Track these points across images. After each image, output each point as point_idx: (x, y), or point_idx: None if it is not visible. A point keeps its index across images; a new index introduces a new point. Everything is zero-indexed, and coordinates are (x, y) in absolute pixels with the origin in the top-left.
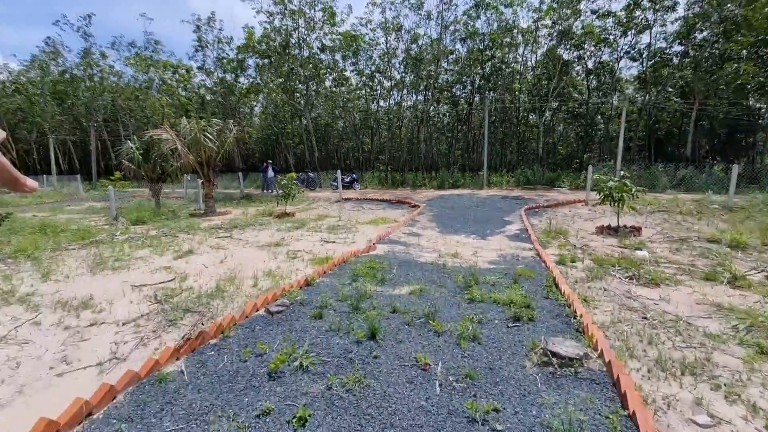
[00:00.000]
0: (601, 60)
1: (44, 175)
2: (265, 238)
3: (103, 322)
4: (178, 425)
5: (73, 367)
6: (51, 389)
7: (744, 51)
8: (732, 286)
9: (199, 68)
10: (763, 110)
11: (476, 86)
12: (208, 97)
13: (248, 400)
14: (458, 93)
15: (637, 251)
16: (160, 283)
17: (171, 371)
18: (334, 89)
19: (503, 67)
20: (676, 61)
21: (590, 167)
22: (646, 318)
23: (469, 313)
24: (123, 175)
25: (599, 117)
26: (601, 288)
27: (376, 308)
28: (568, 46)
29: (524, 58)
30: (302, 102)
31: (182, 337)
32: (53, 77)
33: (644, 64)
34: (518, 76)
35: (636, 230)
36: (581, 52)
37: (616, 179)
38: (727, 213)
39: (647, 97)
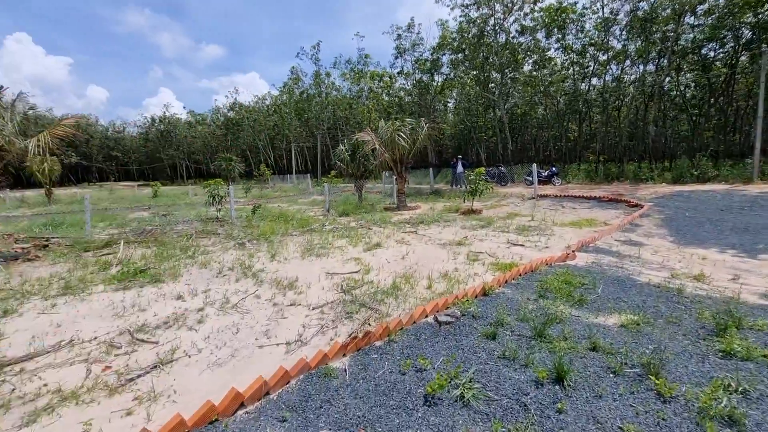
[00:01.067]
0: None
1: (288, 175)
2: (448, 235)
3: (299, 304)
4: (330, 429)
5: (270, 342)
6: (252, 359)
7: None
8: None
9: (398, 73)
10: None
11: (743, 41)
12: (406, 99)
13: (399, 422)
14: (711, 54)
15: None
16: (348, 273)
17: (336, 367)
18: (534, 73)
19: None
20: None
21: None
22: None
23: (721, 374)
24: (336, 173)
25: None
26: None
27: (568, 339)
28: None
29: None
30: (496, 92)
31: (350, 335)
32: (296, 98)
33: None
34: None
35: None
36: None
37: None
38: None
39: None
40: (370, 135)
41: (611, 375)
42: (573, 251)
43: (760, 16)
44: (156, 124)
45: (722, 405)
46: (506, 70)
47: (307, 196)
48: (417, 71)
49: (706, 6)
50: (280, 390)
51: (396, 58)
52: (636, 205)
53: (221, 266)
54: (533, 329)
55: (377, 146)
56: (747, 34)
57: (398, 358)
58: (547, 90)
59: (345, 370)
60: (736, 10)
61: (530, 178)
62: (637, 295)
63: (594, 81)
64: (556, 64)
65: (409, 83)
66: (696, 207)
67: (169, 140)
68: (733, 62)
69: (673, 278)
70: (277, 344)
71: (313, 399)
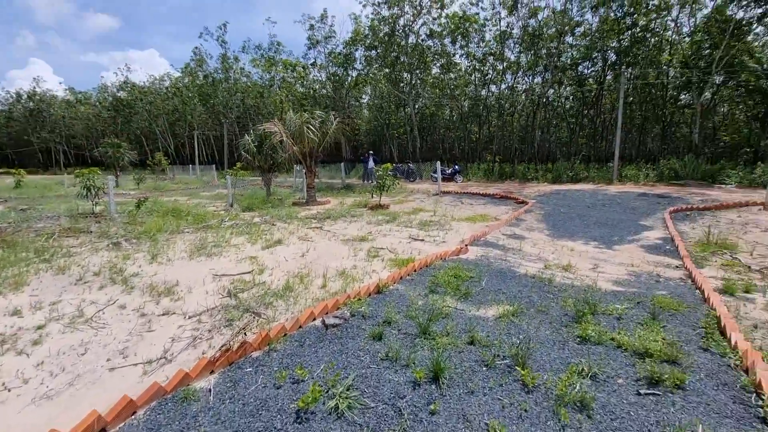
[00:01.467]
0: None
1: (190, 165)
2: (353, 231)
3: (174, 313)
4: None
5: (126, 362)
6: (97, 385)
7: None
8: None
9: (312, 65)
10: None
11: (609, 63)
12: (322, 92)
13: None
14: (585, 71)
15: None
16: (239, 274)
17: (200, 387)
18: (441, 76)
19: (647, 36)
20: None
21: None
22: None
23: (578, 360)
24: (243, 165)
25: None
26: None
27: (450, 334)
28: (745, 2)
29: (678, 24)
30: (407, 90)
31: (221, 347)
32: (200, 81)
33: None
34: (668, 47)
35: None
36: (765, 7)
37: None
38: None
39: None
40: (278, 126)
41: (484, 368)
42: (466, 245)
43: (621, 42)
44: (23, 101)
45: (575, 391)
46: (416, 71)
47: (211, 189)
48: (331, 64)
49: (582, 29)
50: (123, 424)
51: (309, 48)
52: (522, 202)
53: (84, 271)
54: (419, 326)
55: (285, 138)
56: (612, 56)
57: (276, 369)
58: (453, 93)
59: (210, 390)
60: (604, 35)
61: (436, 175)
62: (516, 286)
63: (493, 88)
64: (460, 69)
65: (323, 76)
66: (569, 204)
67: (41, 121)
68: (601, 80)
69: (546, 269)
70: (135, 364)
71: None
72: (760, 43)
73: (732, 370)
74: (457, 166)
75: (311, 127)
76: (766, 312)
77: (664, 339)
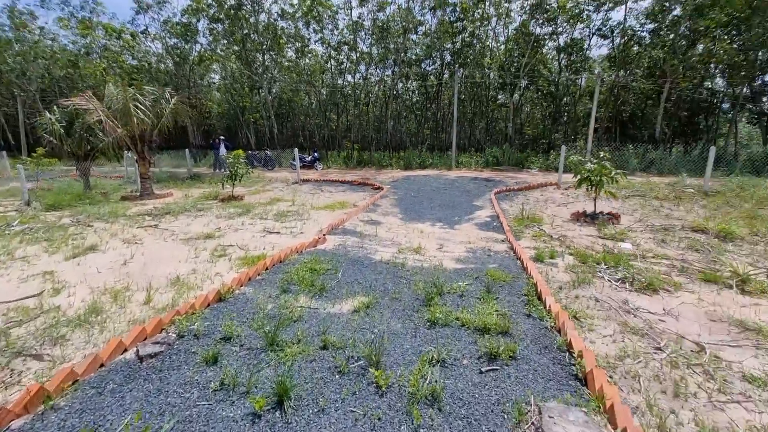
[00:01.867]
0: (573, 37)
1: None
2: (198, 227)
3: None
4: None
5: None
6: None
7: (717, 30)
8: (741, 291)
9: (143, 33)
10: (727, 91)
11: (446, 62)
12: (161, 67)
13: None
14: (428, 68)
15: (621, 243)
16: (18, 300)
17: None
18: (297, 60)
19: (474, 41)
20: (647, 39)
21: (563, 147)
22: (660, 349)
23: (428, 347)
24: (48, 152)
25: (567, 97)
26: (592, 297)
27: (302, 340)
28: (541, 21)
29: (495, 32)
30: (260, 73)
31: None
32: None
33: (614, 42)
34: (489, 52)
35: (614, 218)
36: (554, 27)
37: (594, 161)
38: (704, 198)
39: (616, 77)
40: (91, 102)
41: (337, 376)
42: (324, 235)
43: (455, 44)
44: None
45: (427, 384)
46: (270, 52)
47: (5, 183)
48: (169, 35)
49: (424, 28)
50: None
51: (137, 13)
52: (378, 188)
53: None
54: (266, 337)
55: (103, 118)
56: (447, 57)
57: None
58: (310, 79)
59: None
60: (441, 36)
61: (295, 163)
62: (371, 275)
63: (348, 77)
64: (317, 55)
65: (159, 47)
66: (419, 188)
67: None
68: (440, 77)
69: (399, 253)
70: None
71: None
72: (550, 56)
73: (549, 332)
74: (316, 154)
75: (140, 105)
76: (566, 274)
77: (497, 311)
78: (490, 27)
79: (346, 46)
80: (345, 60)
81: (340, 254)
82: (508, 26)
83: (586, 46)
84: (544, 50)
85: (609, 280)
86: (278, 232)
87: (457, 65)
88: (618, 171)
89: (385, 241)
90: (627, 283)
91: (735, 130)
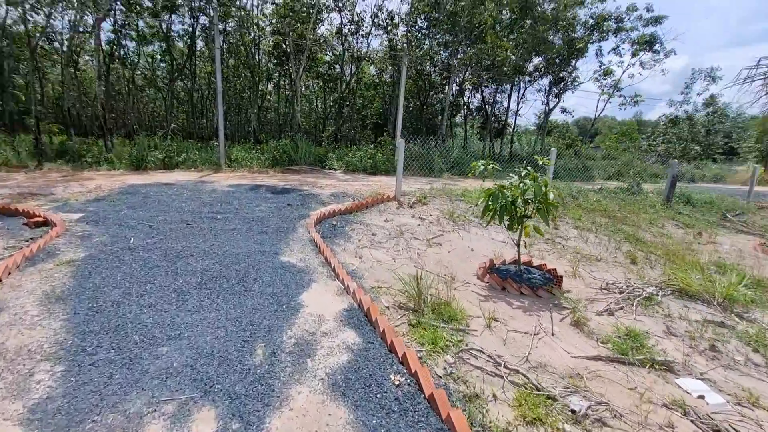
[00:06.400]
0: (353, 19)
1: None
2: None
3: None
4: None
5: None
6: None
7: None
8: None
9: None
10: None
11: (197, 13)
12: None
13: None
14: (174, 27)
15: (683, 381)
16: None
17: None
18: None
19: None
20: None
21: (401, 142)
22: None
23: None
24: None
25: (349, 86)
26: None
27: None
28: None
29: None
30: None
31: None
32: None
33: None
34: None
35: (555, 279)
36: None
37: (522, 172)
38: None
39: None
40: None
41: None
42: None
43: None
44: None
45: None
46: None
47: None
48: None
49: None
50: None
51: None
52: (39, 224)
53: None
54: None
55: None
56: (201, 3)
57: None
58: None
59: None
60: None
61: None
62: None
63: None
64: None
65: None
66: (152, 218)
67: None
68: (191, 42)
69: None
70: None
71: None
72: (331, 34)
73: None
74: None
75: None
76: None
77: None
78: None
79: None
80: None
81: None
82: None
83: (364, 32)
84: (324, 28)
85: None
86: None
87: (218, 20)
88: (555, 187)
89: None
90: None
91: (451, 129)
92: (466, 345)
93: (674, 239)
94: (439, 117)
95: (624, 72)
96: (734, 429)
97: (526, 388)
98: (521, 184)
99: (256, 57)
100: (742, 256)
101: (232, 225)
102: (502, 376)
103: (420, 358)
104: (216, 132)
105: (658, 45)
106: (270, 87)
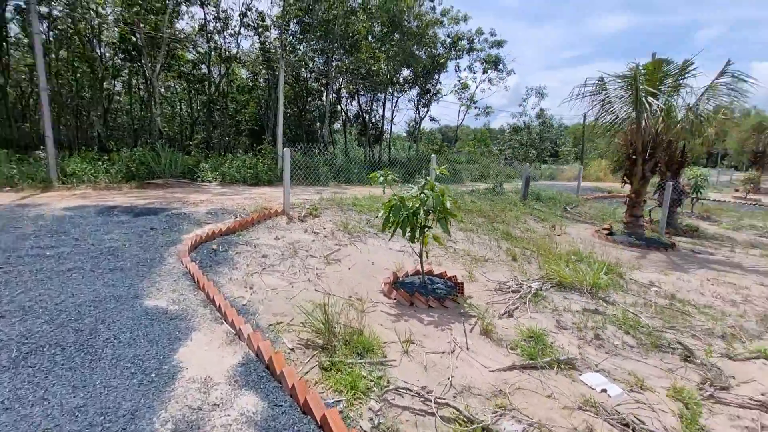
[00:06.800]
0: (219, 15)
1: None
2: None
3: None
4: None
5: None
6: None
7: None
8: None
9: None
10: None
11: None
12: None
13: None
14: None
15: (585, 377)
16: None
17: None
18: None
19: None
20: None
21: (287, 151)
22: None
23: None
24: None
25: (219, 89)
26: None
27: None
28: None
29: None
30: None
31: None
32: None
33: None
34: None
35: (456, 286)
36: None
37: (420, 182)
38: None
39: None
40: None
41: None
42: None
43: None
44: None
45: None
46: None
47: None
48: None
49: None
50: None
51: None
52: None
53: None
54: None
55: None
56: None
57: None
58: None
59: None
60: None
61: None
62: None
63: None
64: None
65: None
66: None
67: None
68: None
69: None
70: None
71: None
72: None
73: None
74: None
75: None
76: None
77: None
78: None
79: None
80: None
81: None
82: None
83: (233, 31)
84: (184, 23)
85: None
86: None
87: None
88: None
89: None
90: None
91: (331, 136)
92: (388, 382)
93: (538, 233)
94: (318, 123)
95: (477, 87)
96: (638, 419)
97: (459, 423)
98: (422, 195)
99: (98, 49)
100: (587, 244)
101: (69, 263)
102: (433, 413)
103: (341, 411)
104: (42, 139)
105: (501, 65)
106: (119, 86)
